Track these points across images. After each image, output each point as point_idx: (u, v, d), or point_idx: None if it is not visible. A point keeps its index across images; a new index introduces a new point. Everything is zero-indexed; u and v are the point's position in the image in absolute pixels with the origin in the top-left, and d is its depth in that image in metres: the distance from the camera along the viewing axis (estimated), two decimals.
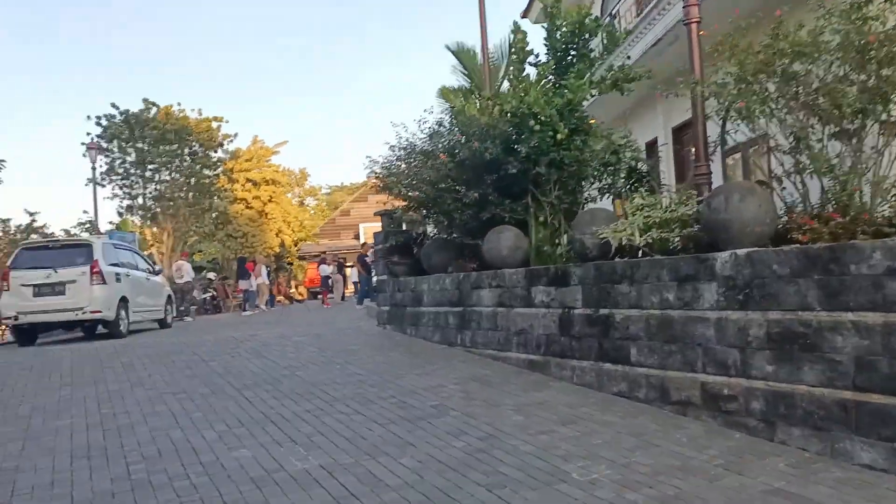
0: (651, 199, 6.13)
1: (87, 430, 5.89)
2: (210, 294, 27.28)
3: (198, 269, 27.41)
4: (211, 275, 30.98)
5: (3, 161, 23.43)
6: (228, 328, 14.43)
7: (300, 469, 4.50)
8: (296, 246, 43.78)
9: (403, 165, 9.09)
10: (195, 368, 8.52)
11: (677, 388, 5.32)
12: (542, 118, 7.26)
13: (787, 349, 4.50)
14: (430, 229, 11.07)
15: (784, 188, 5.59)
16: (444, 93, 14.04)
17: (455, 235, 8.84)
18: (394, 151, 9.66)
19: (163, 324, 15.88)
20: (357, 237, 48.94)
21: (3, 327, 14.38)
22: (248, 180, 39.97)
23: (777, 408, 4.56)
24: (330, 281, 25.97)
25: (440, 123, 9.26)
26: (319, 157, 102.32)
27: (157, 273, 16.08)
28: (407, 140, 9.56)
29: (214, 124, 27.02)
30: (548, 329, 6.90)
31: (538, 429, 5.07)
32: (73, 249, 13.18)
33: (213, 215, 29.41)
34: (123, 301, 13.28)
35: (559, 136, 7.31)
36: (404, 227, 11.63)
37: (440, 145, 8.74)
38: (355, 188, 73.30)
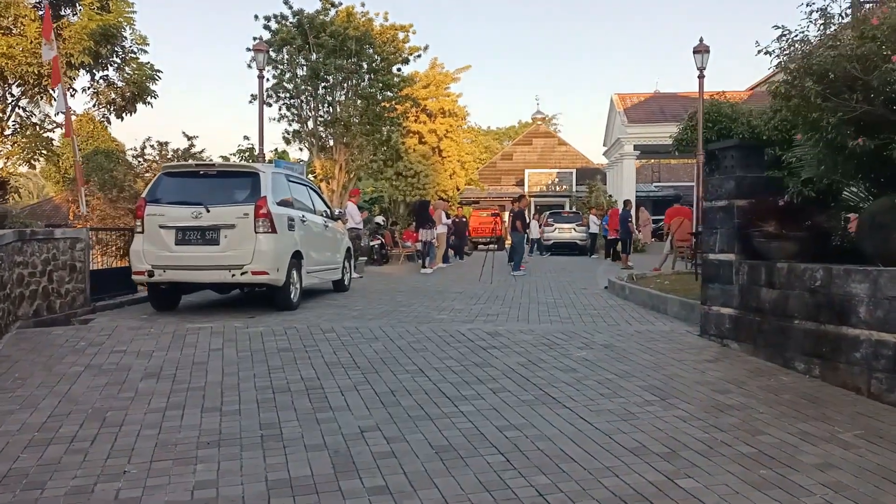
0: None
1: None
2: (378, 242, 24.03)
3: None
4: (379, 219, 27.75)
5: (158, 71, 21.09)
6: (431, 301, 10.64)
7: None
8: (458, 190, 39.56)
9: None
10: (441, 420, 4.67)
11: None
12: None
13: None
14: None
15: None
16: None
17: None
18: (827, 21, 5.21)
19: (339, 286, 12.33)
20: (520, 183, 44.10)
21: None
22: (423, 110, 36.01)
23: None
24: None
25: None
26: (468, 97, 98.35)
27: (336, 218, 12.47)
28: None
29: (400, 34, 22.93)
30: None
31: None
32: (232, 179, 9.64)
33: (384, 149, 25.62)
34: (296, 257, 9.70)
35: None
36: (766, 175, 7.15)
37: None
38: (501, 132, 68.17)
